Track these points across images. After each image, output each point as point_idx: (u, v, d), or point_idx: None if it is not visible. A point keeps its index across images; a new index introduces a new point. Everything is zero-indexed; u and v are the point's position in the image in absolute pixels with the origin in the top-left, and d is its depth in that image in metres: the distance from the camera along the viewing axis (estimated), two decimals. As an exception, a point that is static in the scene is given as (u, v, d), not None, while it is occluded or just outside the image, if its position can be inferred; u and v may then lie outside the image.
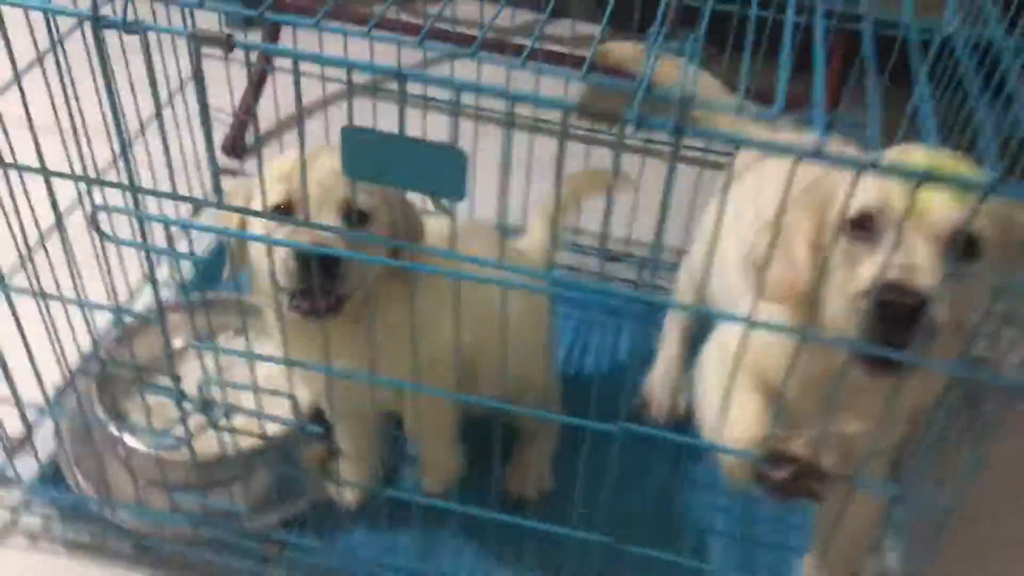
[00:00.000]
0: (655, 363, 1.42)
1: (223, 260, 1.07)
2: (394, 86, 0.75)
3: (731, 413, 0.93)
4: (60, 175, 0.95)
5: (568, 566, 1.12)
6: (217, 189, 0.88)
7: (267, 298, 1.03)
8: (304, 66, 0.78)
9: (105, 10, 0.81)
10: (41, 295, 1.06)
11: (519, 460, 1.31)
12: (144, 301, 1.46)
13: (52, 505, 1.25)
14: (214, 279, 1.32)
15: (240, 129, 1.86)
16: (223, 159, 1.84)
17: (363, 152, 0.76)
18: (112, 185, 0.92)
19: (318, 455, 1.25)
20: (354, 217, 0.98)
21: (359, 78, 1.14)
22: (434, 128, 1.23)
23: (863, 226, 0.82)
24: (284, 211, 0.98)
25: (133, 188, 0.91)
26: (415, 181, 0.77)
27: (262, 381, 1.03)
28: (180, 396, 1.06)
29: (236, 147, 1.86)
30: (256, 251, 1.01)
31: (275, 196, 0.98)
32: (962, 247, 0.78)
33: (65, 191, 1.02)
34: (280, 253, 0.95)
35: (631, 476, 1.11)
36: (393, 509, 1.12)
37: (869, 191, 0.81)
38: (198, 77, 0.80)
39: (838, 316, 0.83)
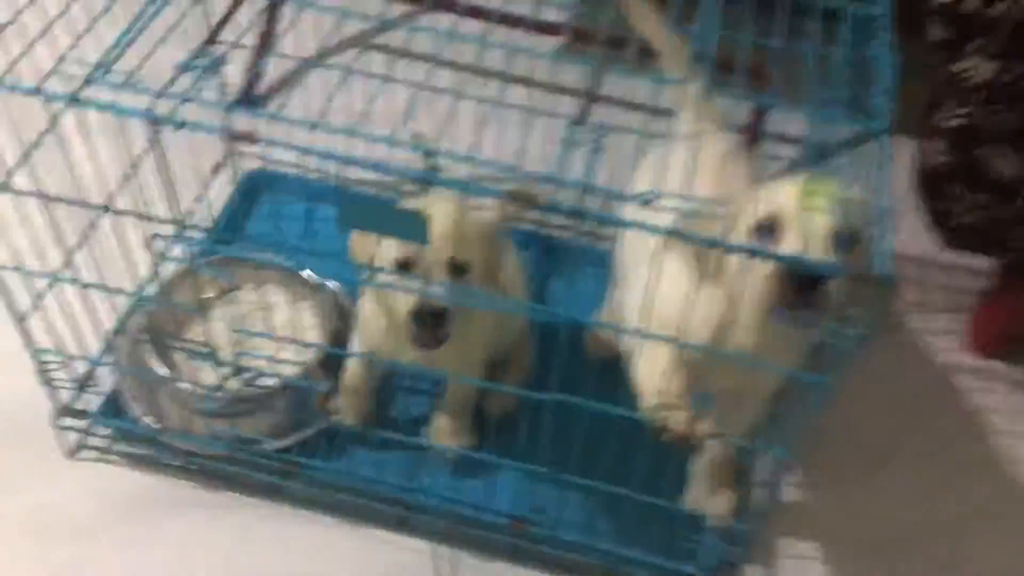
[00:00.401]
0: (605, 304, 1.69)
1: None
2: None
3: (642, 365, 1.21)
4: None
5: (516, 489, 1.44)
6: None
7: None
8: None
9: None
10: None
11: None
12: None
13: (114, 430, 1.56)
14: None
15: (254, 78, 2.07)
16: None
17: (355, 213, 1.02)
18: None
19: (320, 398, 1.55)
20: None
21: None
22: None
23: (769, 229, 1.07)
24: (404, 265, 1.23)
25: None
26: (392, 231, 1.04)
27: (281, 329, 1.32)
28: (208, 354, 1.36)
29: (250, 96, 2.08)
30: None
31: (397, 252, 1.22)
32: (846, 242, 1.05)
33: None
34: (401, 305, 1.23)
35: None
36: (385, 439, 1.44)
37: (773, 202, 1.07)
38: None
39: (755, 292, 1.08)
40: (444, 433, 1.54)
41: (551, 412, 1.24)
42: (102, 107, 1.05)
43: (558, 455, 1.33)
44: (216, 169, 1.82)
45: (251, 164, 1.92)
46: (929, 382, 1.78)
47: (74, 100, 1.05)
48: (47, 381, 1.47)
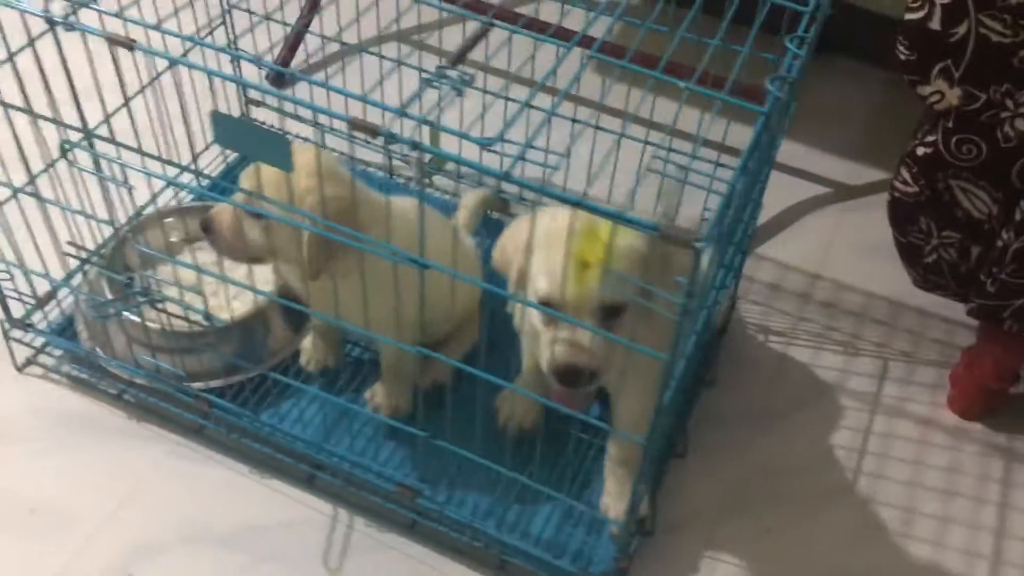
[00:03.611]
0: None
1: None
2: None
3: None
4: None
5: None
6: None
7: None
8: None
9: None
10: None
11: (430, 361, 1.60)
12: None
13: (64, 352, 1.64)
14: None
15: (291, 51, 2.16)
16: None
17: (227, 130, 1.06)
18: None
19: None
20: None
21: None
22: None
23: (547, 303, 1.14)
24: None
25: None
26: (257, 153, 1.07)
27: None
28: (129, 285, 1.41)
29: (280, 79, 2.17)
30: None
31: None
32: (609, 312, 1.13)
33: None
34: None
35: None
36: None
37: (546, 284, 1.14)
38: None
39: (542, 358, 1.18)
40: (377, 396, 1.55)
41: (479, 391, 1.24)
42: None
43: (484, 437, 1.31)
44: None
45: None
46: (896, 433, 1.68)
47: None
48: (-2, 290, 1.56)
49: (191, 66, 1.11)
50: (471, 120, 0.97)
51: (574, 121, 1.60)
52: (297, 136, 1.88)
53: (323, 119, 1.78)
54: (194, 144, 1.41)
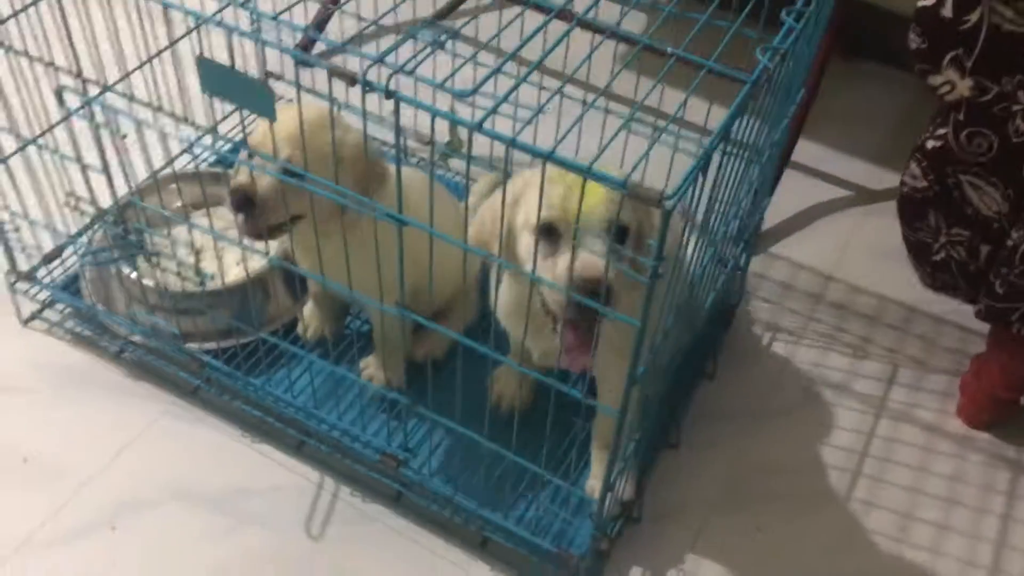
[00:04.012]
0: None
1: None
2: None
3: None
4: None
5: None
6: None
7: None
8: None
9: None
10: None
11: (424, 335, 1.59)
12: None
13: (68, 307, 1.67)
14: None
15: (322, 23, 2.17)
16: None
17: (212, 77, 1.07)
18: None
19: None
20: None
21: None
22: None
23: (547, 232, 1.10)
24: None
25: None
26: (241, 100, 1.07)
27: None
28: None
29: (309, 47, 2.18)
30: None
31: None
32: (617, 234, 1.07)
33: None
34: None
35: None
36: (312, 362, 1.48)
37: (549, 208, 1.08)
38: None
39: (547, 297, 1.13)
40: (371, 366, 1.55)
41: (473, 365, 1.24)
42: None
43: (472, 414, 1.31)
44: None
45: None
46: (900, 438, 1.64)
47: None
48: (3, 240, 1.58)
49: (222, 25, 1.11)
50: (447, 76, 0.96)
51: (559, 93, 1.58)
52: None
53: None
54: (214, 111, 1.42)
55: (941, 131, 1.38)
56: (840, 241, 1.97)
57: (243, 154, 1.34)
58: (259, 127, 1.29)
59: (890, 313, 1.84)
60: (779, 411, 1.66)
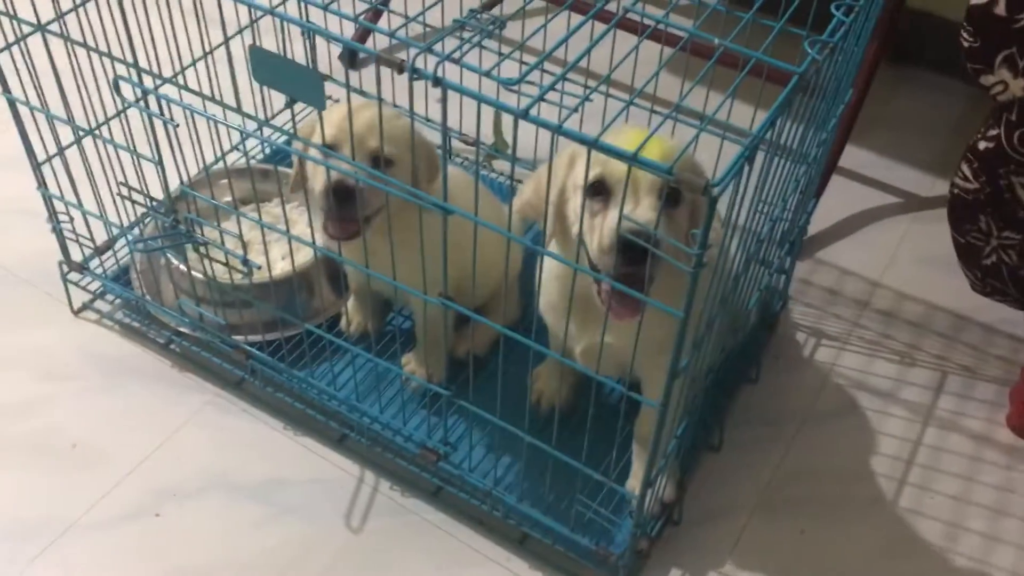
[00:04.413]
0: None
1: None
2: None
3: None
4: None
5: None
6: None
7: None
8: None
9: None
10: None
11: (465, 332, 1.60)
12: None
13: (119, 298, 1.70)
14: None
15: (362, 37, 2.20)
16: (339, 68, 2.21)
17: (264, 66, 1.09)
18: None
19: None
20: (381, 162, 1.28)
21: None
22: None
23: (597, 190, 1.09)
24: (331, 148, 1.28)
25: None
26: (292, 89, 1.09)
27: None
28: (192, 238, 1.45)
29: (353, 58, 2.22)
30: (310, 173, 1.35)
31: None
32: (668, 198, 1.05)
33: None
34: (320, 182, 1.28)
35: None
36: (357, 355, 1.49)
37: (599, 165, 1.08)
38: None
39: (595, 258, 1.11)
40: (412, 362, 1.56)
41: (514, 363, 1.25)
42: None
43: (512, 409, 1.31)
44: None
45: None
46: (947, 447, 1.61)
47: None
48: (57, 231, 1.62)
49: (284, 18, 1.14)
50: (492, 66, 0.97)
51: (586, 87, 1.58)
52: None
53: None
54: (270, 104, 1.44)
55: (993, 132, 1.36)
56: (888, 248, 1.94)
57: (315, 151, 1.35)
58: (333, 121, 1.30)
59: (939, 321, 1.81)
60: (823, 416, 1.64)
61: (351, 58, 2.20)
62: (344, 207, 1.27)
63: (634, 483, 1.40)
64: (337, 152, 1.29)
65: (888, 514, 1.51)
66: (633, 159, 0.90)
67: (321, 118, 1.21)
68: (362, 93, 1.83)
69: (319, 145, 1.26)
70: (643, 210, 1.06)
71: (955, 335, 1.79)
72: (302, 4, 1.18)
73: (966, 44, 1.32)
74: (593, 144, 0.91)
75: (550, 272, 1.28)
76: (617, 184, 1.07)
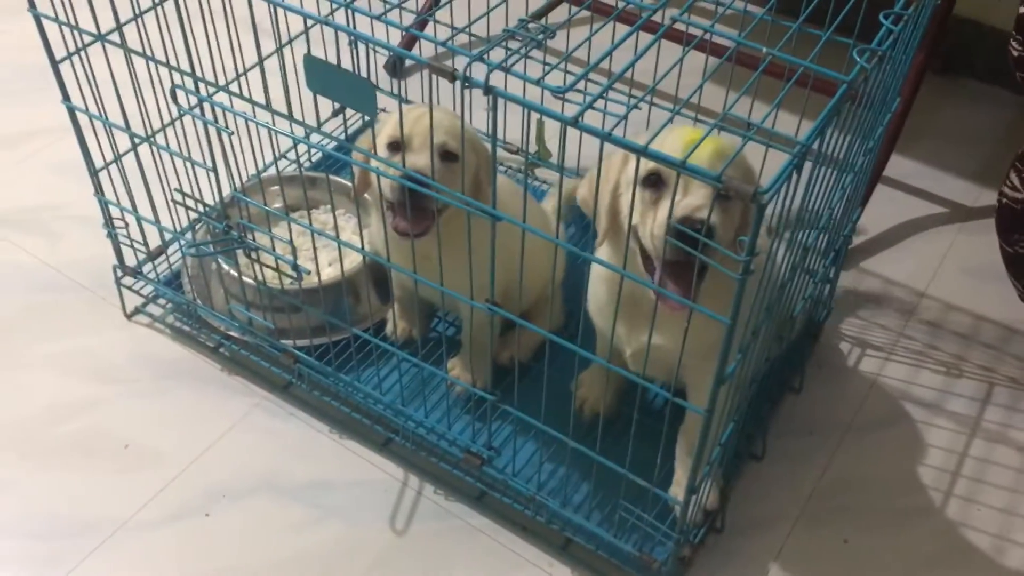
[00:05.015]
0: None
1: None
2: None
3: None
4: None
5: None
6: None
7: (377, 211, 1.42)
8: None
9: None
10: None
11: (510, 338, 1.61)
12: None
13: (170, 303, 1.74)
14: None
15: (407, 47, 2.23)
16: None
17: (317, 75, 1.11)
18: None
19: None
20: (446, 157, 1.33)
21: None
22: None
23: (652, 183, 1.10)
24: (396, 147, 1.33)
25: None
26: (345, 98, 1.11)
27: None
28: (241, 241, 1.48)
29: (397, 67, 2.25)
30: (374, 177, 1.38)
31: (395, 133, 1.31)
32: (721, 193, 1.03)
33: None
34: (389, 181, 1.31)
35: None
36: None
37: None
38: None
39: (648, 246, 1.13)
40: (458, 367, 1.58)
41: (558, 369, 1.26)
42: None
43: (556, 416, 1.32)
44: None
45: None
46: (994, 459, 1.59)
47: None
48: (112, 236, 1.65)
49: (336, 27, 1.15)
50: (541, 76, 0.98)
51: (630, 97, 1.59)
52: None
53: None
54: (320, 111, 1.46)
55: (1043, 141, 1.35)
56: (934, 258, 1.93)
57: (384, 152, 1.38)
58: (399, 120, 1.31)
59: (986, 332, 1.80)
60: (867, 427, 1.63)
61: (397, 67, 2.23)
62: (417, 199, 1.28)
63: (678, 489, 1.41)
64: (405, 149, 1.32)
65: (933, 525, 1.50)
66: (682, 166, 0.91)
67: (401, 112, 1.22)
68: (407, 102, 1.85)
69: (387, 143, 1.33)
70: (696, 199, 1.07)
71: (1003, 347, 1.77)
72: (350, 13, 1.20)
73: (1015, 53, 1.31)
74: (642, 151, 0.92)
75: (598, 274, 1.29)
76: (671, 175, 1.09)
